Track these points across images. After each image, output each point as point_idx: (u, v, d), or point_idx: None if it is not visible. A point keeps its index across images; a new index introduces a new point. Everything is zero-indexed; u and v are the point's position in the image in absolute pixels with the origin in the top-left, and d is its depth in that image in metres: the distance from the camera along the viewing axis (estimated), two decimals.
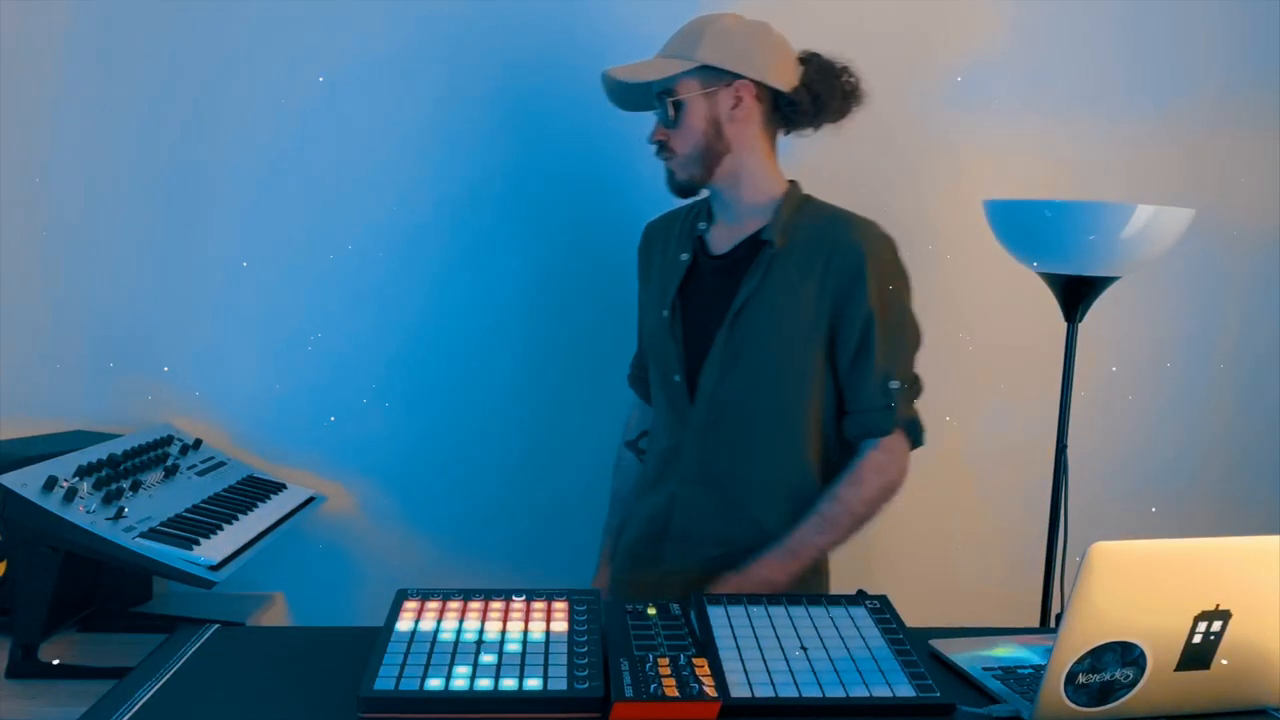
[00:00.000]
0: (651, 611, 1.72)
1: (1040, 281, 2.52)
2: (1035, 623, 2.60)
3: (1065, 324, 2.53)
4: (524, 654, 1.54)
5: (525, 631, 1.61)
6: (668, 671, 1.50)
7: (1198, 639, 1.42)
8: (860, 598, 1.79)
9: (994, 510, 2.98)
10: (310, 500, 2.54)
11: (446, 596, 1.72)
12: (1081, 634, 1.37)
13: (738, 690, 1.49)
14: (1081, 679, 1.39)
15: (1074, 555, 2.47)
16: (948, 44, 2.84)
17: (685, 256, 2.24)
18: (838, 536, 2.15)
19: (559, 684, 1.46)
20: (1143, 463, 3.02)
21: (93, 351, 2.69)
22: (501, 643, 1.57)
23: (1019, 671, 1.65)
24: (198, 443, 2.56)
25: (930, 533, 2.97)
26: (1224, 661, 1.44)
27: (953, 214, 2.85)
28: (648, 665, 1.52)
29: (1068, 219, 2.36)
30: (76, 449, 2.18)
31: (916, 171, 2.86)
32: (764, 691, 1.49)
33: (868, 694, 1.50)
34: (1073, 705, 1.40)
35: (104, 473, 2.12)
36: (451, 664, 1.50)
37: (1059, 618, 1.50)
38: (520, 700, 1.44)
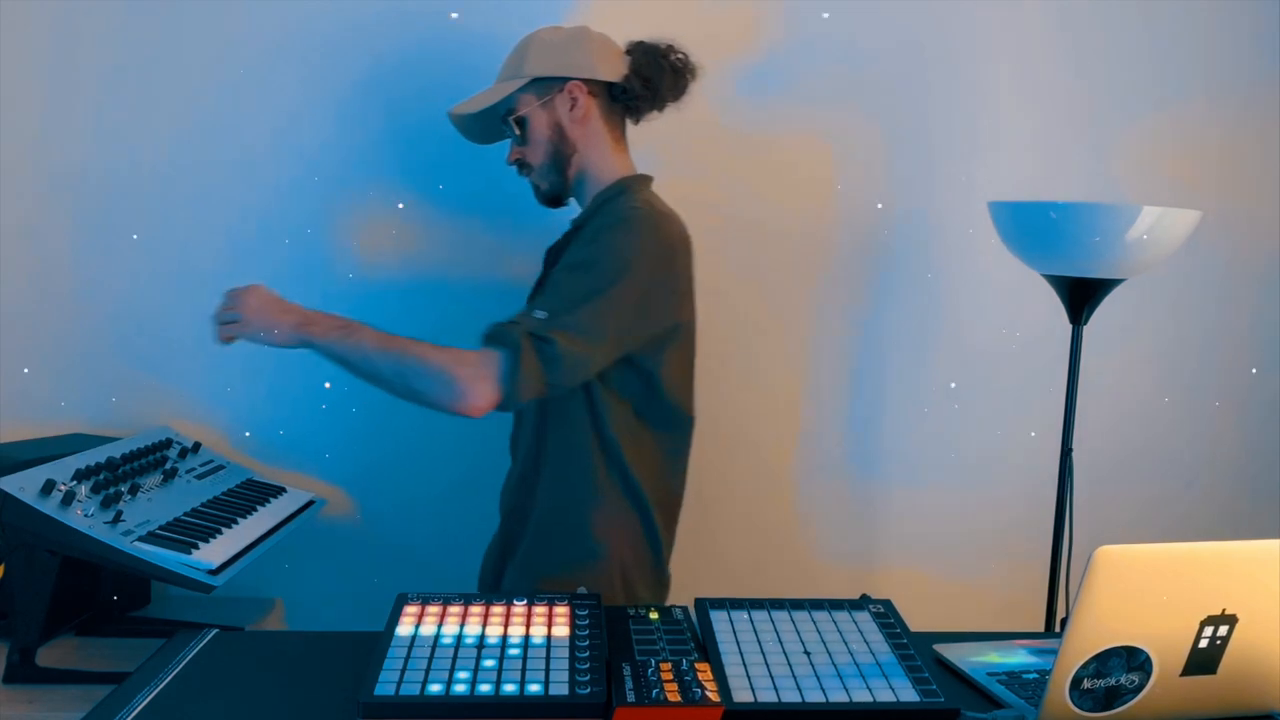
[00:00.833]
0: (653, 615, 1.72)
1: (1045, 283, 2.52)
2: (1040, 627, 2.61)
3: (1070, 326, 2.53)
4: (525, 658, 1.54)
5: (526, 636, 1.61)
6: (670, 676, 1.50)
7: (1204, 644, 1.41)
8: (864, 602, 1.79)
9: (998, 514, 2.98)
10: (310, 504, 2.54)
11: (447, 600, 1.72)
12: (1087, 638, 1.37)
13: (740, 695, 1.49)
14: (1087, 684, 1.39)
15: (1079, 559, 2.48)
16: (949, 44, 2.84)
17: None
18: (357, 347, 2.03)
19: (560, 689, 1.46)
20: (1149, 466, 3.02)
21: (91, 354, 2.69)
22: (503, 647, 1.58)
23: (1024, 676, 1.65)
24: (196, 446, 2.56)
25: (934, 536, 2.98)
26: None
27: (956, 215, 2.85)
28: (650, 670, 1.52)
29: (1072, 220, 2.36)
30: (74, 452, 2.18)
31: (920, 173, 2.86)
32: (767, 696, 1.49)
33: (871, 699, 1.49)
34: (1078, 710, 1.40)
35: (102, 476, 2.12)
36: (452, 669, 1.50)
37: (1064, 622, 1.51)
38: (522, 705, 1.44)
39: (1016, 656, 1.73)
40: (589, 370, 2.05)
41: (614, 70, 2.22)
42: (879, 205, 2.86)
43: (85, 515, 1.96)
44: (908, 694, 1.51)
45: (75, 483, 2.03)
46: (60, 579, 2.03)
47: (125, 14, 2.62)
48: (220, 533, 2.13)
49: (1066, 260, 2.42)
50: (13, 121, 2.63)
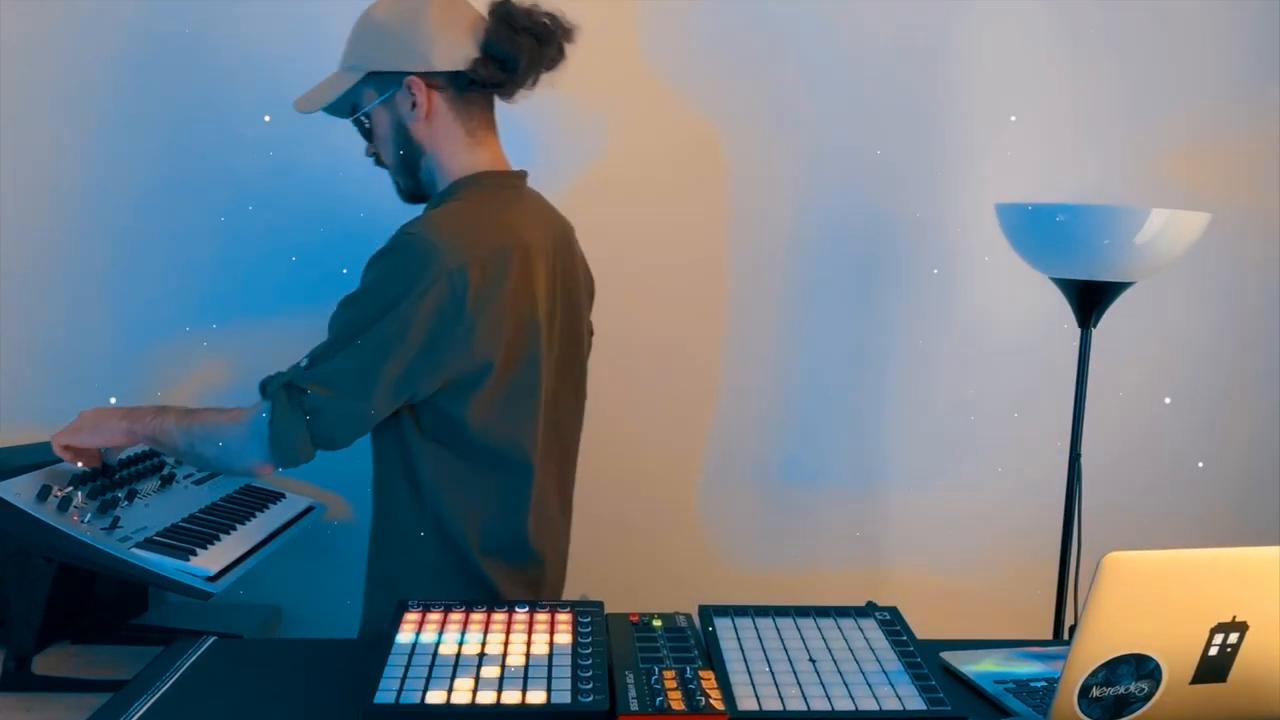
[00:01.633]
0: (657, 623, 1.72)
1: (1053, 287, 2.52)
2: (1048, 635, 2.61)
3: (1079, 330, 2.53)
4: (527, 666, 1.54)
5: (529, 643, 1.61)
6: (674, 684, 1.50)
7: (1214, 651, 1.41)
8: (870, 609, 1.79)
9: (1006, 520, 2.98)
10: (309, 509, 2.54)
11: (448, 607, 1.72)
12: (1095, 646, 1.37)
13: (745, 703, 1.49)
14: (1095, 692, 1.39)
15: (1088, 566, 2.48)
16: (954, 44, 2.84)
17: None
18: (162, 429, 1.98)
19: (562, 697, 1.46)
20: (1158, 471, 3.03)
21: (88, 357, 2.69)
22: (504, 655, 1.57)
23: (1032, 684, 1.65)
24: None
25: (941, 542, 2.98)
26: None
27: (964, 218, 2.85)
28: (653, 678, 1.52)
29: (1081, 223, 2.36)
30: None
31: (926, 175, 2.87)
32: (772, 705, 1.49)
33: (877, 707, 1.49)
34: (1087, 719, 1.40)
35: (99, 481, 2.12)
36: (453, 677, 1.50)
37: (1072, 629, 1.50)
38: (523, 714, 1.44)
39: (1024, 664, 1.73)
40: (365, 422, 1.88)
41: (459, 55, 1.93)
42: (885, 206, 2.86)
43: (82, 521, 1.96)
44: (914, 702, 1.51)
45: (72, 488, 2.03)
46: (56, 586, 2.03)
47: (126, 15, 2.63)
48: (218, 539, 2.13)
49: (1075, 263, 2.42)
50: (13, 124, 2.63)
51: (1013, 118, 2.86)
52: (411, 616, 1.69)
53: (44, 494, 1.97)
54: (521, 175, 2.10)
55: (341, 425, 1.86)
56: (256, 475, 1.94)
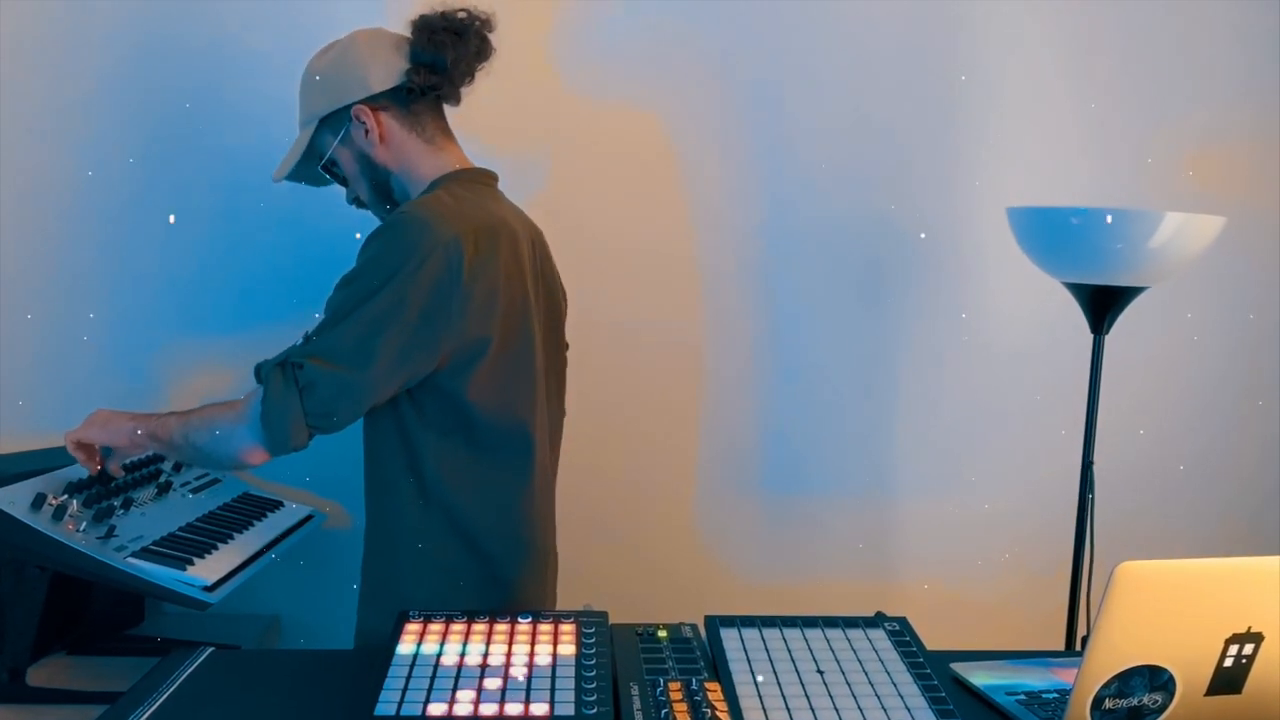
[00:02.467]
0: (663, 634, 1.72)
1: (1065, 292, 2.52)
2: (1060, 645, 2.61)
3: (1091, 335, 2.53)
4: (530, 678, 1.54)
5: (531, 654, 1.61)
6: (679, 696, 1.50)
7: (1229, 662, 1.41)
8: (879, 620, 1.79)
9: (1017, 529, 2.98)
10: (308, 518, 2.55)
11: (450, 618, 1.73)
12: (1108, 657, 1.37)
13: (752, 715, 1.49)
14: (1108, 704, 1.39)
15: (1100, 575, 2.48)
16: (967, 44, 2.85)
17: None
18: (164, 428, 2.01)
19: (566, 709, 1.46)
20: (1172, 479, 3.02)
21: (83, 365, 2.70)
22: (507, 666, 1.57)
23: (1043, 696, 1.65)
24: None
25: (951, 552, 2.98)
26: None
27: (974, 222, 2.85)
28: (658, 690, 1.52)
29: (1094, 226, 2.36)
30: (66, 465, 2.18)
31: (937, 177, 2.87)
32: (779, 717, 1.49)
33: (886, 719, 1.50)
34: None
35: (95, 490, 2.12)
36: (455, 688, 1.50)
37: (1085, 640, 1.51)
38: None
39: (1036, 676, 1.73)
40: (364, 397, 1.89)
41: (390, 72, 2.05)
42: (893, 207, 2.87)
43: (77, 530, 1.97)
44: (924, 715, 1.51)
45: (67, 496, 2.04)
46: (51, 596, 2.03)
47: (127, 15, 2.64)
48: (216, 548, 2.14)
49: (1088, 267, 2.42)
50: (12, 128, 2.64)
51: (1026, 118, 2.87)
52: (412, 627, 1.69)
53: (38, 502, 1.98)
54: (493, 175, 2.18)
55: (339, 399, 1.87)
56: (248, 462, 1.92)
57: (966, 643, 1.90)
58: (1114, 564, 1.32)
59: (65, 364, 2.70)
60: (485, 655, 1.61)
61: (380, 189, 2.12)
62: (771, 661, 1.64)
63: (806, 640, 1.71)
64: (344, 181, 2.17)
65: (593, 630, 1.70)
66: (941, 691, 1.57)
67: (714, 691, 1.52)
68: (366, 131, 2.06)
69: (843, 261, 2.89)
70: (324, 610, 2.71)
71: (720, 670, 1.61)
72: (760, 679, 1.59)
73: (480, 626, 1.70)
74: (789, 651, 1.68)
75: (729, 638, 1.71)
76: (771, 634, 1.73)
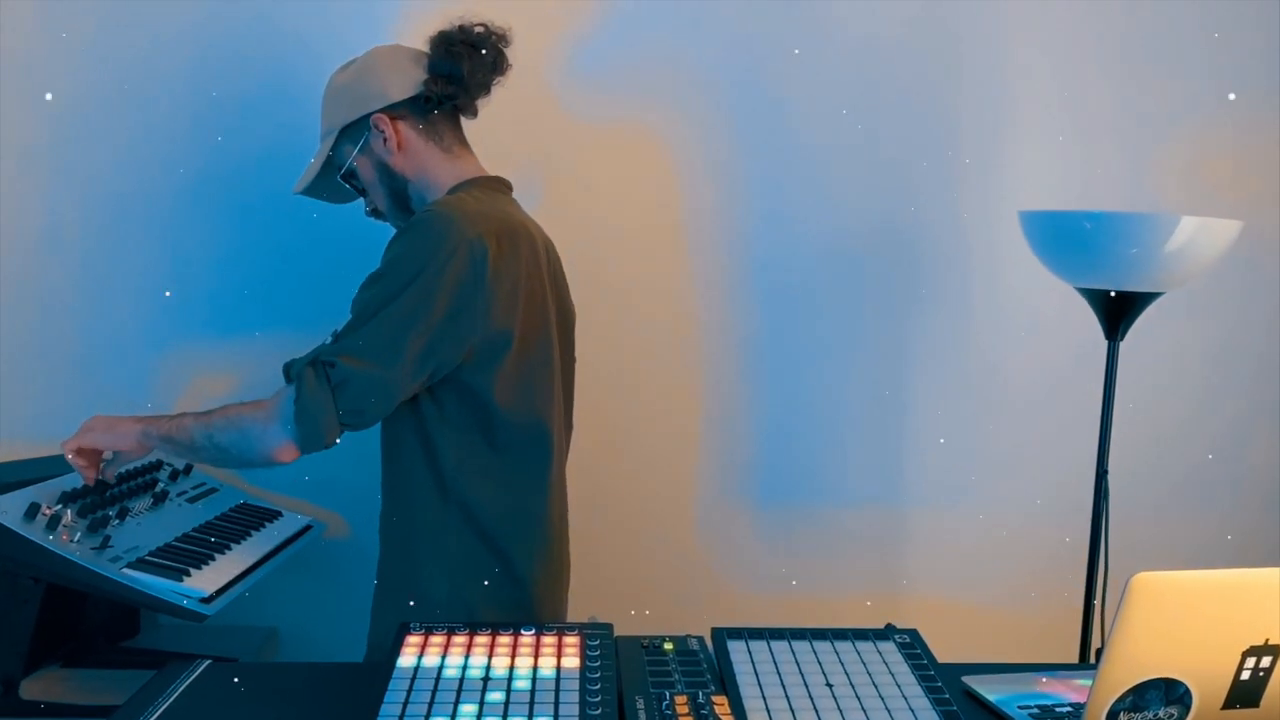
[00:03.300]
0: (669, 647, 1.73)
1: (1079, 297, 2.52)
2: (1074, 658, 2.61)
3: (1106, 342, 2.53)
4: (533, 691, 1.55)
5: (535, 667, 1.61)
6: (685, 710, 1.50)
7: (1246, 675, 1.41)
8: (889, 632, 1.79)
9: (1030, 539, 2.98)
10: (307, 528, 2.55)
11: (452, 630, 1.73)
12: (1123, 670, 1.37)
13: None
14: (1123, 718, 1.39)
15: (1115, 586, 2.48)
16: (978, 45, 2.85)
17: None
18: (181, 429, 2.04)
19: None
20: (1188, 489, 3.02)
21: (78, 373, 2.70)
22: (510, 679, 1.58)
23: (1057, 710, 1.65)
24: (188, 468, 2.57)
25: (962, 562, 2.97)
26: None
27: (985, 226, 2.86)
28: (664, 703, 1.52)
29: (1108, 231, 2.36)
30: (60, 474, 2.18)
31: (947, 179, 2.87)
32: None
33: None
34: None
35: (89, 499, 2.13)
36: (457, 702, 1.51)
37: (1099, 653, 1.50)
38: None
39: (1049, 689, 1.73)
40: (394, 393, 1.94)
41: (409, 82, 2.14)
42: (904, 214, 2.87)
43: (71, 540, 1.97)
44: None
45: (61, 506, 2.04)
46: (45, 607, 2.04)
47: (125, 17, 2.65)
48: (213, 559, 2.14)
49: (1102, 272, 2.42)
50: (11, 130, 2.65)
51: (1038, 120, 2.87)
52: (414, 640, 1.69)
53: (32, 512, 1.97)
54: (508, 183, 2.25)
55: (370, 396, 1.91)
56: (279, 459, 1.95)
57: (979, 655, 1.90)
58: (1129, 575, 1.32)
59: (58, 372, 2.70)
60: (488, 668, 1.61)
61: (398, 197, 2.20)
62: (780, 674, 1.64)
63: (815, 653, 1.71)
64: (362, 192, 2.24)
65: (597, 643, 1.70)
66: (953, 705, 1.57)
67: (721, 705, 1.52)
68: (385, 139, 2.14)
69: (850, 269, 2.89)
70: (323, 622, 2.72)
71: (727, 683, 1.61)
72: (769, 693, 1.59)
73: (483, 639, 1.70)
74: (797, 664, 1.68)
75: (736, 650, 1.71)
76: (780, 646, 1.73)
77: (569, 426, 2.32)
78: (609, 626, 1.76)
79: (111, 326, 2.72)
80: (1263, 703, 1.44)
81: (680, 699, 1.54)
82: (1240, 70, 2.91)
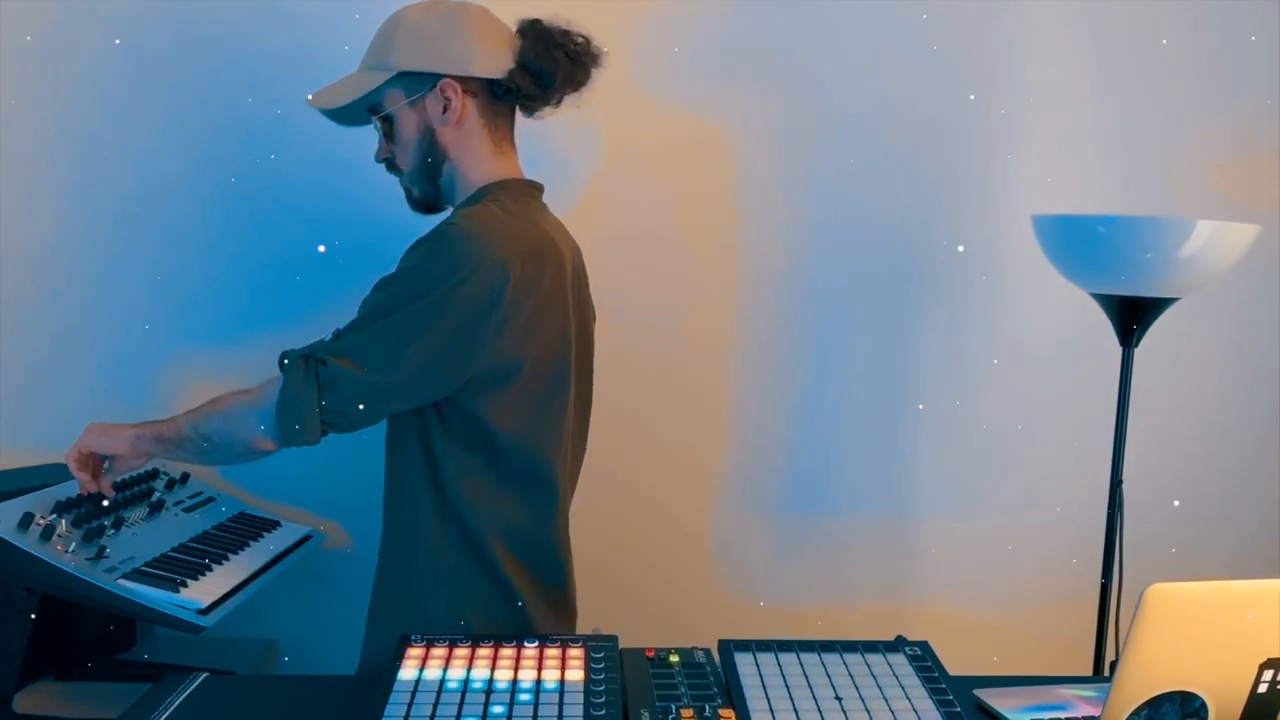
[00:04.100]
0: (675, 659, 1.72)
1: (1093, 303, 2.52)
2: (1088, 670, 2.61)
3: (1120, 349, 2.53)
4: (537, 704, 1.54)
5: (538, 680, 1.61)
6: None
7: (1263, 688, 1.41)
8: (899, 644, 1.79)
9: (1043, 549, 2.98)
10: (306, 539, 2.55)
11: (453, 642, 1.72)
12: (1137, 683, 1.37)
13: None
14: None
15: (1129, 598, 2.48)
16: (990, 48, 2.85)
17: None
18: (174, 428, 2.05)
19: None
20: (1204, 499, 3.02)
21: (74, 381, 2.71)
22: (513, 692, 1.58)
23: None
24: (185, 477, 2.57)
25: (974, 573, 2.97)
26: None
27: (999, 231, 2.86)
28: (670, 717, 1.52)
29: (1123, 235, 2.36)
30: (55, 483, 2.18)
31: (958, 183, 2.87)
32: None
33: None
34: None
35: (84, 509, 2.12)
36: (459, 714, 1.51)
37: (1113, 665, 1.50)
38: None
39: (1062, 702, 1.73)
40: (383, 401, 1.91)
41: (497, 63, 2.02)
42: (916, 218, 2.87)
43: (66, 550, 1.96)
44: None
45: (55, 516, 2.04)
46: (39, 619, 2.03)
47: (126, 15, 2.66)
48: (210, 569, 2.14)
49: (1116, 278, 2.42)
50: (12, 132, 2.66)
51: (1052, 123, 2.87)
52: (414, 652, 1.69)
53: (26, 522, 1.97)
54: (540, 186, 2.17)
55: (357, 400, 1.87)
56: (259, 449, 1.94)
57: (991, 668, 1.90)
58: (1144, 586, 1.32)
59: (52, 380, 2.71)
60: (490, 681, 1.60)
61: (430, 168, 2.09)
62: (788, 687, 1.64)
63: (824, 665, 1.71)
64: (388, 137, 2.11)
65: (601, 655, 1.69)
66: (965, 718, 1.56)
67: (728, 719, 1.52)
68: (445, 107, 2.03)
69: (862, 272, 2.90)
70: (322, 634, 2.72)
71: (734, 697, 1.60)
72: (776, 705, 1.59)
73: (485, 651, 1.70)
74: (806, 677, 1.67)
75: (744, 663, 1.71)
76: (788, 658, 1.73)
77: (583, 450, 2.28)
78: (614, 638, 1.75)
79: (110, 334, 2.72)
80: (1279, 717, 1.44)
81: (686, 712, 1.53)
82: (1254, 74, 2.91)
